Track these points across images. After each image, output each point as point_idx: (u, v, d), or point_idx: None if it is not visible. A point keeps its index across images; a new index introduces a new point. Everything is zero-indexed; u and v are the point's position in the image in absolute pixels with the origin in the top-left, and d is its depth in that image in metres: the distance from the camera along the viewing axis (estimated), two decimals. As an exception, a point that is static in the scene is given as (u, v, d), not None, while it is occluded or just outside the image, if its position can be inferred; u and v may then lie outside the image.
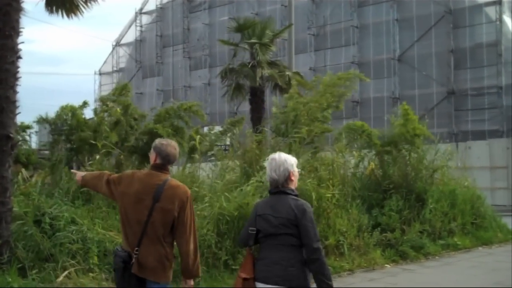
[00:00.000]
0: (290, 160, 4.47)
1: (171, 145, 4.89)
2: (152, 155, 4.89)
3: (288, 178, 4.41)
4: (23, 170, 11.18)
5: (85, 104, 11.28)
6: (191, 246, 4.79)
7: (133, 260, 4.67)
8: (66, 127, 11.04)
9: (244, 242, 4.58)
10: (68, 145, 11.01)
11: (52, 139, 11.35)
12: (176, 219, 4.73)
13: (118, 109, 11.40)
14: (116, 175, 5.07)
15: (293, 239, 4.29)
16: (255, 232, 4.43)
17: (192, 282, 4.95)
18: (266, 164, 4.53)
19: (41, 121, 11.37)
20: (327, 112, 13.05)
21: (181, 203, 4.74)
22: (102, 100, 11.77)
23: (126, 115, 11.34)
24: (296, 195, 4.44)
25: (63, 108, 11.10)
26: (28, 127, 12.67)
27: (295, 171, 4.47)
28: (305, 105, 12.94)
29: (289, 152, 11.81)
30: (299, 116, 12.65)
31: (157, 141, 4.95)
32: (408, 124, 13.29)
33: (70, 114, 11.05)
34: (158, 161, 4.84)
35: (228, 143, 14.28)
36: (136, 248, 4.69)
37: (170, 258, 4.81)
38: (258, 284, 4.35)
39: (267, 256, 4.34)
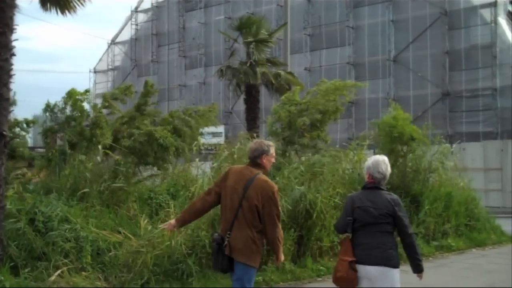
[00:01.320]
0: (388, 164, 5.44)
1: (255, 141, 5.95)
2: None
3: (386, 177, 5.37)
4: (25, 169, 11.03)
5: (87, 92, 11.13)
6: (277, 236, 5.55)
7: (226, 242, 5.45)
8: (64, 116, 10.84)
9: (342, 229, 5.41)
10: (66, 137, 10.81)
11: (48, 127, 11.10)
12: (261, 209, 5.47)
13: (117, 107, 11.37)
14: (219, 178, 5.98)
15: (389, 227, 5.19)
16: (352, 221, 5.24)
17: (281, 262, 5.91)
18: (369, 162, 5.43)
19: (46, 109, 11.12)
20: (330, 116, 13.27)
21: (266, 196, 5.48)
22: (105, 96, 11.66)
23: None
24: (385, 190, 5.37)
25: (70, 94, 10.80)
26: (33, 121, 12.54)
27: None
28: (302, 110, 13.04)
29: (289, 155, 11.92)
30: (294, 119, 12.75)
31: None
32: (398, 125, 13.17)
33: (70, 103, 10.82)
34: (249, 155, 5.78)
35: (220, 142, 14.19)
36: (228, 232, 5.48)
37: (257, 243, 5.50)
38: (358, 267, 5.16)
39: (366, 242, 5.17)
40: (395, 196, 5.31)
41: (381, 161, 5.37)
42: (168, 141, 10.74)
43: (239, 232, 5.43)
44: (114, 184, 9.99)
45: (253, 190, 5.45)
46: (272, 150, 5.79)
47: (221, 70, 20.35)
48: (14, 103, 12.47)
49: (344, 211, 5.44)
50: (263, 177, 5.61)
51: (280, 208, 5.66)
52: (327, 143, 13.49)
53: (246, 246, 5.41)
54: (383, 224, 5.17)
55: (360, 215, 5.22)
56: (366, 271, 5.12)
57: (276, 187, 5.64)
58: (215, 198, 5.70)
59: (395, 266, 5.16)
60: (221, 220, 5.67)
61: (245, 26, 19.68)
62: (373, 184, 5.33)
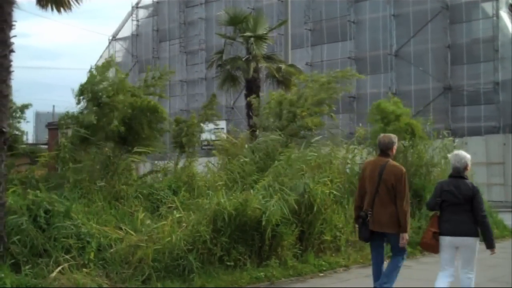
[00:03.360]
0: (468, 156, 6.89)
1: (384, 135, 7.47)
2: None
3: (465, 167, 6.84)
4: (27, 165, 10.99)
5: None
6: (404, 209, 6.89)
7: (369, 218, 7.01)
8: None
9: (432, 207, 7.01)
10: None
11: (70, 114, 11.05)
12: (394, 188, 6.93)
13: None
14: (360, 175, 7.74)
15: (469, 207, 6.69)
16: (440, 201, 6.79)
17: (406, 236, 6.95)
18: (451, 156, 7.02)
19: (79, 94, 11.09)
20: (324, 107, 13.28)
21: (397, 177, 6.98)
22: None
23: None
24: (467, 179, 6.83)
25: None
26: (27, 106, 12.50)
27: (470, 164, 6.87)
28: (296, 101, 13.10)
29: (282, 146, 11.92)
30: (283, 110, 12.86)
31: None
32: (401, 119, 13.15)
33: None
34: (381, 147, 7.23)
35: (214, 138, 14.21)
36: (370, 210, 7.02)
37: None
38: (445, 238, 6.73)
39: (453, 218, 6.71)
40: (474, 185, 6.78)
41: (457, 154, 6.89)
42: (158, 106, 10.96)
43: (381, 209, 6.94)
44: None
45: (386, 174, 6.96)
46: (397, 141, 7.37)
47: (220, 65, 20.24)
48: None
49: (434, 193, 6.97)
50: (393, 162, 7.17)
51: (407, 187, 7.04)
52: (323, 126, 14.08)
53: (390, 219, 6.89)
54: (464, 204, 6.66)
55: (447, 197, 6.74)
56: (455, 241, 6.70)
57: (404, 170, 7.14)
58: (362, 191, 7.23)
59: (477, 236, 6.72)
60: (365, 202, 7.10)
61: (237, 21, 19.40)
62: (455, 174, 6.82)
